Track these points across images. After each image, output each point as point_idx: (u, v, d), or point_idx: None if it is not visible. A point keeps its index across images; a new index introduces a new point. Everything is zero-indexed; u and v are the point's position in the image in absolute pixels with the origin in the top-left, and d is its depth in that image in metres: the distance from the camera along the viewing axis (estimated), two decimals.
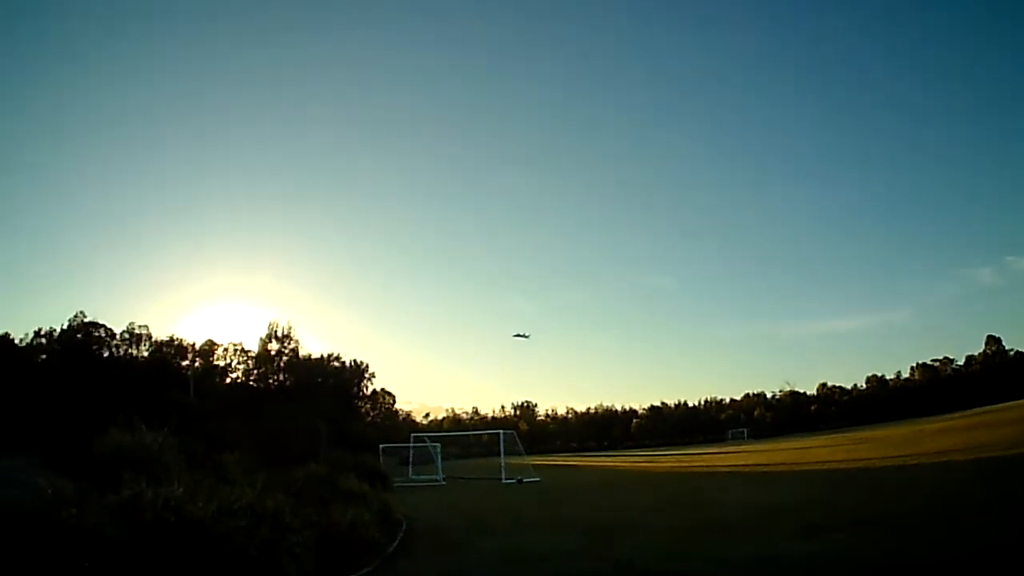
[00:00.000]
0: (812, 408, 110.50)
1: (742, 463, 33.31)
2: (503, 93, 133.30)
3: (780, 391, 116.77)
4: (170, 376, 46.38)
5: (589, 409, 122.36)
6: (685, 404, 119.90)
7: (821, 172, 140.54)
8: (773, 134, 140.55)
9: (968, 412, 60.02)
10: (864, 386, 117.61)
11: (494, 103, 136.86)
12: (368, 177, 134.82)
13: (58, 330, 50.26)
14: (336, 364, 61.27)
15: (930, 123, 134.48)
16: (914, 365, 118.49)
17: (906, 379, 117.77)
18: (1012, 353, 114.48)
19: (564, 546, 11.19)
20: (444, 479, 33.60)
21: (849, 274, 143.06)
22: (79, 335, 49.68)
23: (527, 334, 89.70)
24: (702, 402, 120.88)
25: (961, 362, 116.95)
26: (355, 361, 63.66)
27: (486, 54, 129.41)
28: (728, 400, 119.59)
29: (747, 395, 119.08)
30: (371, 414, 66.10)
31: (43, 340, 49.88)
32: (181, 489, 7.44)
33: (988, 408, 59.00)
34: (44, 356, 48.52)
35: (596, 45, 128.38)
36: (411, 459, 37.90)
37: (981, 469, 16.94)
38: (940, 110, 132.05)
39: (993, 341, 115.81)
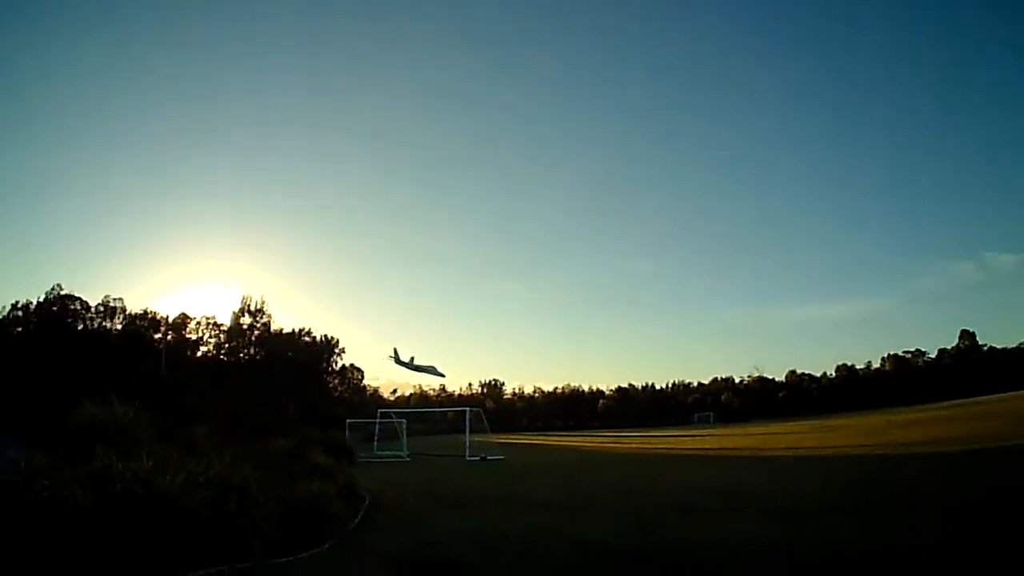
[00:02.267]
0: (780, 395, 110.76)
1: (708, 447, 33.80)
2: (476, 84, 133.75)
3: (748, 377, 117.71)
4: (143, 349, 46.59)
5: (556, 389, 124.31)
6: (652, 387, 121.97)
7: (801, 159, 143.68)
8: (751, 120, 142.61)
9: (938, 405, 60.85)
10: (833, 375, 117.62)
11: (470, 91, 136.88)
12: (341, 161, 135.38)
13: (35, 303, 50.13)
14: (307, 339, 61.24)
15: (917, 116, 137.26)
16: (885, 356, 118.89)
17: (876, 369, 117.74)
18: (986, 348, 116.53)
19: (527, 524, 11.31)
20: (408, 455, 33.93)
21: (827, 262, 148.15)
22: (55, 308, 49.58)
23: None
24: (669, 385, 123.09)
25: (933, 355, 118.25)
26: (325, 336, 63.87)
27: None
28: (696, 384, 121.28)
29: (715, 379, 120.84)
30: (339, 389, 66.28)
31: (19, 313, 49.85)
32: (151, 462, 7.63)
33: (958, 402, 60.73)
34: (20, 329, 48.48)
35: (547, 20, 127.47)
36: (377, 435, 38.19)
37: (948, 463, 17.24)
38: (927, 104, 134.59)
39: (967, 335, 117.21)
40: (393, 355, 41.14)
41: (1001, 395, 62.28)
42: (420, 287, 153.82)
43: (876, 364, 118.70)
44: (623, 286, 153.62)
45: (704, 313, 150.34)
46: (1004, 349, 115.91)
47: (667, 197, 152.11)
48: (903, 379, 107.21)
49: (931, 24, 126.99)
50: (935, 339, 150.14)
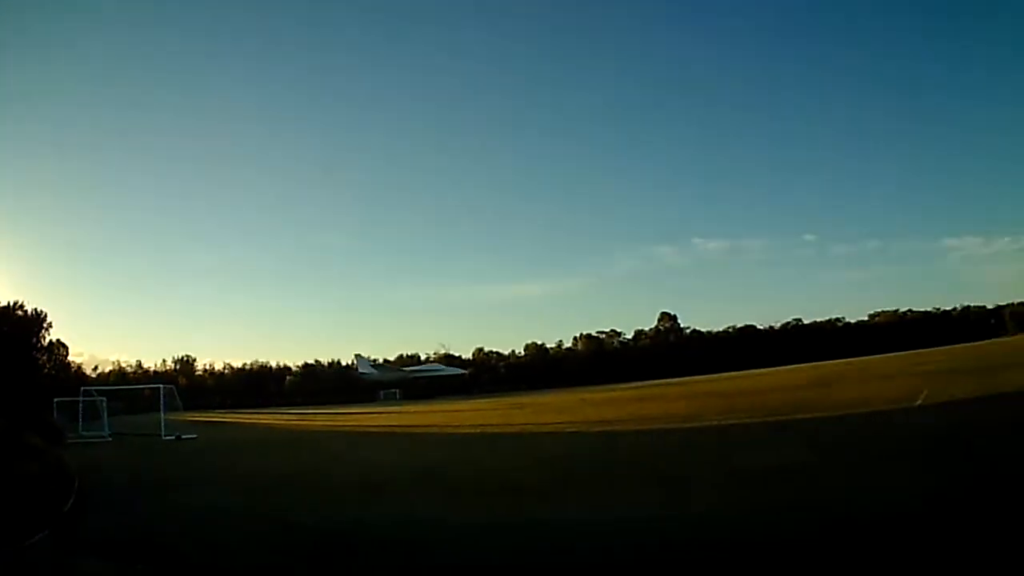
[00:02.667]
0: (468, 372, 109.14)
1: (395, 423, 33.98)
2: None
3: (434, 354, 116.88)
4: None
5: (245, 365, 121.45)
6: (339, 363, 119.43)
7: (502, 137, 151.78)
8: (445, 91, 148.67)
9: (634, 384, 63.24)
10: (522, 353, 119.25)
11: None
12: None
13: None
14: (20, 313, 57.22)
15: (625, 102, 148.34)
16: (578, 336, 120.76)
17: (568, 349, 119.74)
18: (689, 331, 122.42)
19: (222, 503, 11.69)
20: (110, 435, 33.30)
21: (527, 241, 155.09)
22: None
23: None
24: (354, 361, 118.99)
25: (630, 336, 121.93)
26: (36, 310, 59.81)
27: None
28: (382, 360, 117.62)
29: (400, 356, 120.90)
30: (47, 366, 62.35)
31: None
32: None
33: (657, 382, 63.60)
34: None
35: None
36: (81, 414, 37.36)
37: (643, 440, 17.85)
38: (642, 90, 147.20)
39: (668, 318, 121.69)
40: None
41: (699, 376, 67.34)
42: (117, 259, 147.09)
43: (568, 344, 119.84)
44: (314, 259, 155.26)
45: (392, 290, 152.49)
46: (708, 333, 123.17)
47: (359, 170, 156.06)
48: (598, 359, 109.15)
49: None
50: (638, 321, 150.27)
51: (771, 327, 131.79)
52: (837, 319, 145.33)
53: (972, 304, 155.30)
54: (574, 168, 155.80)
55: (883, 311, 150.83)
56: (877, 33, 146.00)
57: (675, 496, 9.59)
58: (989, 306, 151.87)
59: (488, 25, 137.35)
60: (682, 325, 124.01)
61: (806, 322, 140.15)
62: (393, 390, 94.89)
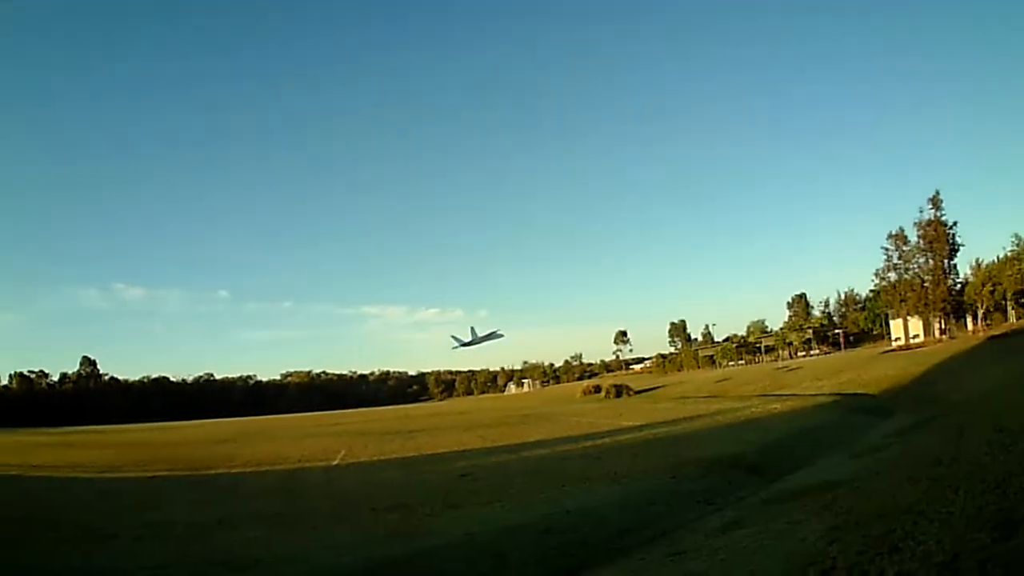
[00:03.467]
0: None
1: None
2: None
3: None
4: None
5: None
6: None
7: None
8: None
9: (62, 429, 60.22)
10: None
11: None
12: None
13: None
14: None
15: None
16: (12, 374, 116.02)
17: (4, 386, 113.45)
18: (107, 377, 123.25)
19: None
20: None
21: None
22: None
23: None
24: None
25: (56, 378, 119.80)
26: None
27: None
28: None
29: None
30: None
31: None
32: None
33: (82, 428, 62.78)
34: None
35: None
36: None
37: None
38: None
39: (88, 362, 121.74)
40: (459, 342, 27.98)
41: (124, 425, 66.94)
42: None
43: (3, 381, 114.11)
44: None
45: None
46: (126, 381, 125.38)
47: None
48: (31, 399, 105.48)
49: None
50: (64, 363, 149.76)
51: (184, 380, 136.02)
52: (249, 376, 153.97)
53: (393, 369, 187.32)
54: None
55: (296, 371, 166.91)
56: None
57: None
58: (412, 372, 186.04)
59: None
60: (101, 371, 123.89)
61: (218, 377, 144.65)
62: None
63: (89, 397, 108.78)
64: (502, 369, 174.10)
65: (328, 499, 13.72)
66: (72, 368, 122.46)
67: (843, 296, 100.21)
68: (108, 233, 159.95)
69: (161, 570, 8.07)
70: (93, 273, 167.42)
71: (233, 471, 19.53)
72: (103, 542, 9.83)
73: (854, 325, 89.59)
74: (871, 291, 76.26)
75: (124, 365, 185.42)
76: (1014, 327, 45.25)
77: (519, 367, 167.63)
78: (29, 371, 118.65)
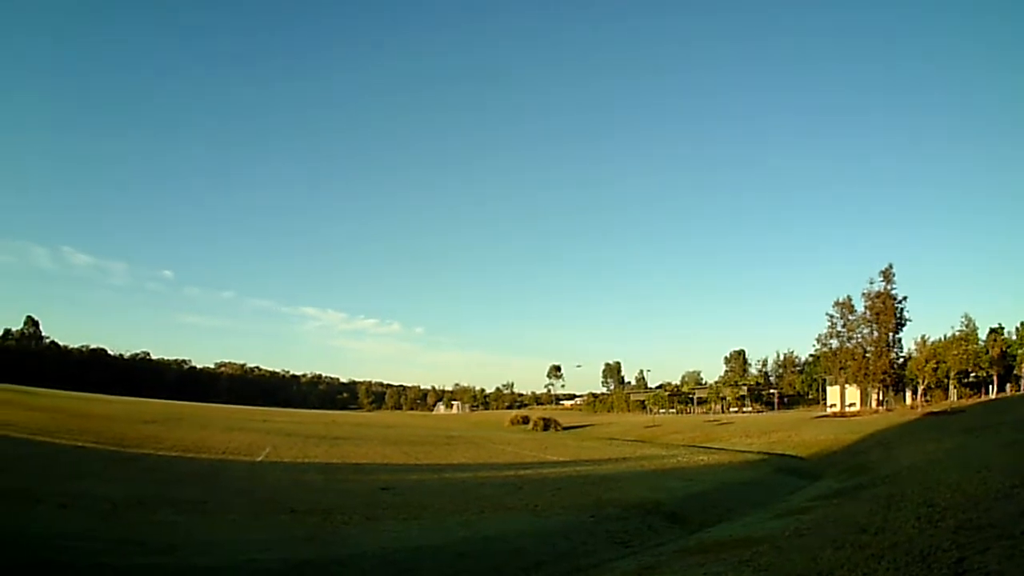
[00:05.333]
0: None
1: None
2: None
3: None
4: None
5: None
6: None
7: None
8: None
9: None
10: None
11: None
12: None
13: None
14: None
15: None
16: None
17: None
18: (48, 341, 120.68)
19: None
20: None
21: None
22: None
23: None
24: None
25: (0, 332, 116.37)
26: None
27: None
28: None
29: None
30: None
31: None
32: None
33: (14, 387, 59.31)
34: None
35: None
36: None
37: None
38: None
39: (32, 322, 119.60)
40: None
41: (49, 390, 64.03)
42: None
43: None
44: None
45: None
46: (65, 347, 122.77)
47: None
48: None
49: None
50: (9, 319, 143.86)
51: (121, 355, 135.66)
52: (184, 360, 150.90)
53: (326, 374, 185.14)
54: None
55: (231, 363, 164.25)
56: None
57: None
58: (344, 379, 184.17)
59: None
60: (44, 334, 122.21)
61: (154, 357, 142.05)
62: None
63: (28, 357, 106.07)
64: (433, 388, 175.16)
65: (249, 495, 13.88)
66: (16, 326, 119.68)
67: (782, 357, 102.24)
68: (60, 194, 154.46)
69: (81, 541, 8.22)
70: (43, 233, 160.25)
71: (159, 452, 19.79)
72: (29, 506, 10.02)
73: (790, 387, 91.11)
74: (811, 355, 77.99)
75: (65, 331, 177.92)
76: (954, 405, 45.33)
77: (450, 388, 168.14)
78: None
